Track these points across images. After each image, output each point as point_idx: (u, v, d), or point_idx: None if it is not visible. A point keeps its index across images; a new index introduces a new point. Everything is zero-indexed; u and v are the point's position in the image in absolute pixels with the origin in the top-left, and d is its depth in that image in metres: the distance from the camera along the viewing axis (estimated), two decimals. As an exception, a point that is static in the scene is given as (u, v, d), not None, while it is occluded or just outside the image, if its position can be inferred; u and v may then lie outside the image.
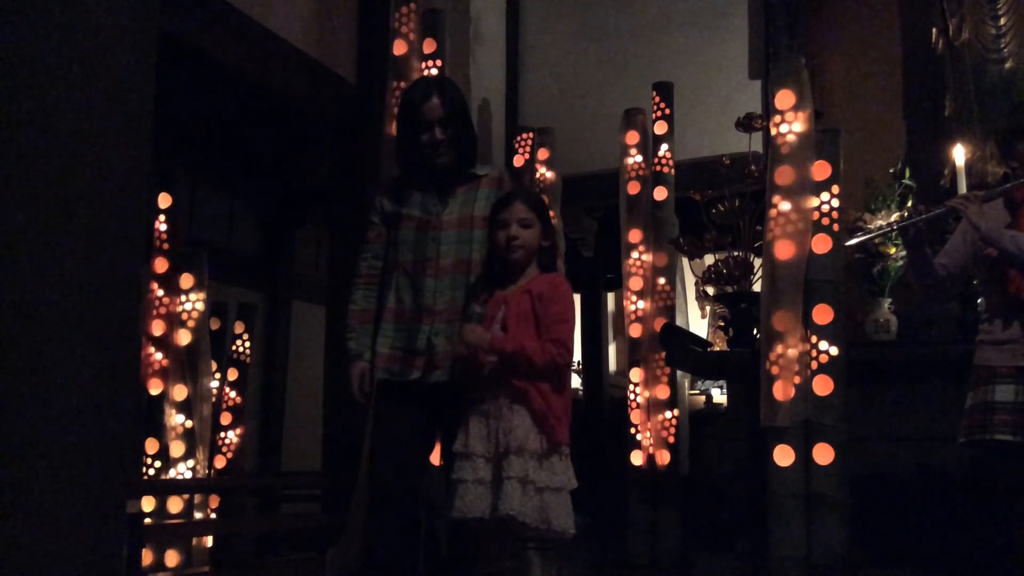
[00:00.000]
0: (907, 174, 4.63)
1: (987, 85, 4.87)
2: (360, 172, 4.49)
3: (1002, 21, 4.92)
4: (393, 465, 2.49)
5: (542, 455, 2.26)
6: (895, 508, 3.80)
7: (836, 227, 3.47)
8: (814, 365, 3.38)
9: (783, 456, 3.34)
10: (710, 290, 4.30)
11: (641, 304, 4.58)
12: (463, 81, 5.71)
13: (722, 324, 4.46)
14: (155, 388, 4.04)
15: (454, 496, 2.31)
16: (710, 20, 5.74)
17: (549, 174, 5.09)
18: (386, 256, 2.60)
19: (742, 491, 3.91)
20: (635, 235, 4.64)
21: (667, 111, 4.75)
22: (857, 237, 3.70)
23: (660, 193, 4.64)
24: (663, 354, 4.40)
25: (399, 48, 4.30)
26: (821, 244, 3.47)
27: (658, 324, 4.42)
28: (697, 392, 6.69)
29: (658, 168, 4.68)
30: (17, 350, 1.20)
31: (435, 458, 3.77)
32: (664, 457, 4.39)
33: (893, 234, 4.02)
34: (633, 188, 4.70)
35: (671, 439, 4.41)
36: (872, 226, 4.28)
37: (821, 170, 3.51)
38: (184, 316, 4.20)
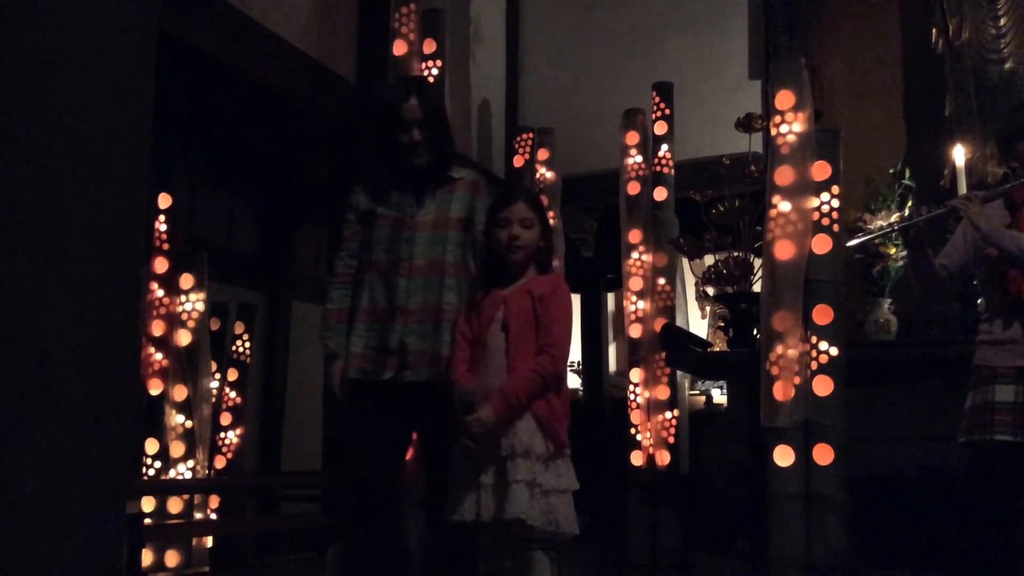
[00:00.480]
0: (907, 174, 4.63)
1: (987, 85, 4.88)
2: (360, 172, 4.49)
3: (1002, 21, 4.92)
4: (367, 464, 2.50)
5: (547, 458, 2.27)
6: (895, 508, 3.80)
7: (836, 227, 3.47)
8: (814, 365, 3.38)
9: (783, 456, 3.34)
10: (710, 290, 4.31)
11: (641, 304, 4.58)
12: (463, 81, 5.72)
13: (722, 324, 4.46)
14: (155, 388, 4.04)
15: (454, 499, 2.31)
16: (710, 20, 5.75)
17: (549, 174, 5.09)
18: (360, 255, 2.61)
19: (742, 491, 3.91)
20: (635, 235, 4.64)
21: (667, 111, 4.75)
22: (858, 237, 3.70)
23: (660, 193, 4.64)
24: (663, 354, 4.40)
25: (399, 48, 4.30)
26: (821, 244, 3.47)
27: (658, 324, 4.42)
28: (697, 392, 6.68)
29: (658, 168, 4.68)
30: (17, 350, 1.20)
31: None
32: (664, 457, 4.39)
33: (894, 234, 4.02)
34: (633, 188, 4.70)
35: (671, 439, 4.41)
36: (872, 226, 4.28)
37: (821, 170, 3.51)
38: (184, 316, 4.20)
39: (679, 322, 4.63)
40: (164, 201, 4.27)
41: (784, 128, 3.55)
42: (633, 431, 4.52)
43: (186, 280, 4.24)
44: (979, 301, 3.91)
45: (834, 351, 3.37)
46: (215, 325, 4.65)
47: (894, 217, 4.32)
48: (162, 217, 4.24)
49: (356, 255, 2.62)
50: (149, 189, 3.94)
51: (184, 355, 4.16)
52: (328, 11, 4.62)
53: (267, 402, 6.52)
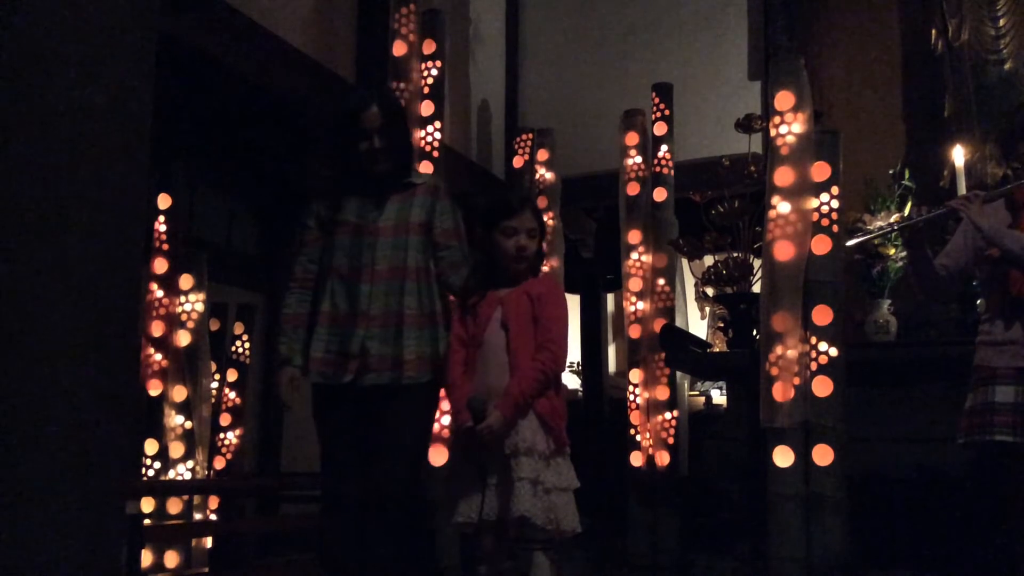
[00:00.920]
0: (907, 175, 4.63)
1: (986, 86, 4.88)
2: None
3: (1001, 22, 4.92)
4: (333, 469, 2.53)
5: (549, 456, 2.30)
6: (895, 508, 3.80)
7: (836, 228, 3.47)
8: (814, 366, 3.39)
9: (783, 457, 3.34)
10: (710, 291, 4.31)
11: (641, 305, 4.58)
12: (463, 81, 5.72)
13: (721, 325, 4.47)
14: (155, 389, 4.04)
15: (456, 502, 2.32)
16: (710, 20, 5.75)
17: (549, 175, 5.09)
18: (321, 260, 2.63)
19: (742, 492, 3.91)
20: (635, 236, 4.64)
21: (667, 112, 4.75)
22: (857, 237, 3.70)
23: (660, 194, 4.64)
24: (663, 355, 4.40)
25: (399, 49, 4.30)
26: (821, 245, 3.47)
27: (658, 325, 4.42)
28: (697, 393, 6.68)
29: (657, 169, 4.69)
30: (17, 350, 1.20)
31: (435, 459, 3.78)
32: (663, 458, 4.39)
33: (893, 235, 4.02)
34: (632, 189, 4.70)
35: (670, 440, 4.41)
36: (872, 227, 4.28)
37: (821, 171, 3.51)
38: (184, 317, 4.20)
39: (679, 323, 4.63)
40: (164, 201, 4.26)
41: (784, 129, 3.55)
42: (633, 432, 4.52)
43: (186, 280, 4.23)
44: (979, 302, 3.91)
45: (834, 352, 3.37)
46: (214, 325, 4.65)
47: (894, 218, 4.32)
48: (162, 217, 4.24)
49: (316, 260, 2.64)
50: (149, 189, 3.95)
51: (183, 356, 4.16)
52: (327, 11, 4.62)
53: (267, 402, 6.50)
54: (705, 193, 4.27)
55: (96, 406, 1.26)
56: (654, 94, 4.80)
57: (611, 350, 7.30)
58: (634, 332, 4.58)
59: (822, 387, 3.35)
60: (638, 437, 4.49)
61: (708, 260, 4.24)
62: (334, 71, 4.58)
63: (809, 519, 3.29)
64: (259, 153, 5.78)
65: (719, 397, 6.47)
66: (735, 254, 4.04)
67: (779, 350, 3.40)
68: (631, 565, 4.31)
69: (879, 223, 4.32)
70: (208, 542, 4.10)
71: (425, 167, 4.17)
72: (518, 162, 5.30)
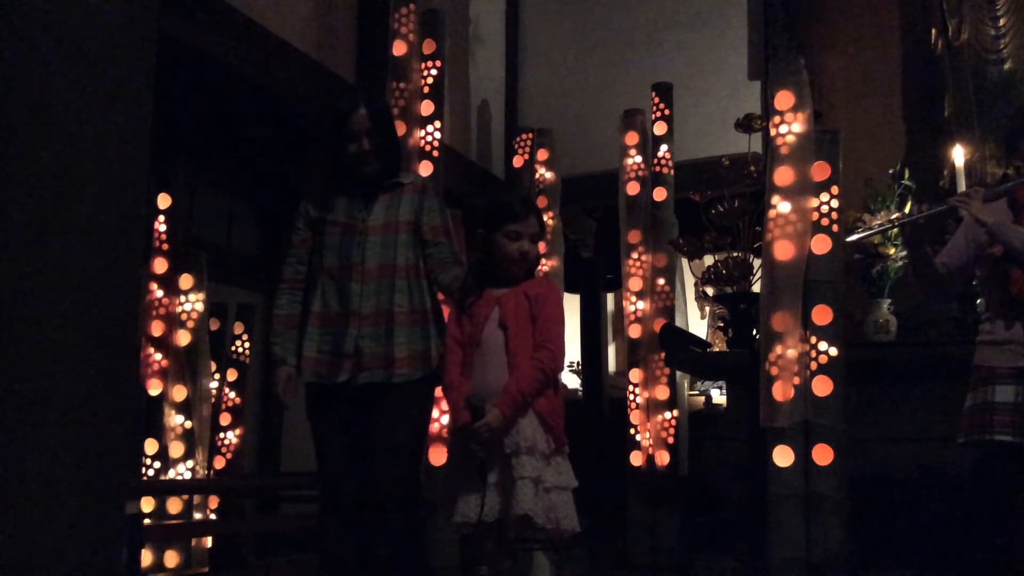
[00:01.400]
0: (906, 174, 4.63)
1: (986, 86, 4.88)
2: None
3: (1001, 22, 4.92)
4: (330, 469, 2.55)
5: (549, 455, 2.30)
6: (895, 508, 3.80)
7: (835, 228, 3.48)
8: (813, 366, 3.39)
9: (783, 457, 3.34)
10: (709, 291, 4.31)
11: (640, 305, 4.58)
12: (462, 81, 5.72)
13: (721, 325, 4.46)
14: (155, 389, 4.04)
15: (456, 501, 2.32)
16: (710, 20, 5.75)
17: (548, 175, 5.09)
18: (311, 261, 2.65)
19: (741, 492, 3.91)
20: (634, 236, 4.64)
21: (666, 112, 4.75)
22: (858, 233, 3.70)
23: (659, 194, 4.64)
24: (662, 355, 4.40)
25: (399, 49, 4.30)
26: (820, 245, 3.47)
27: (657, 325, 4.42)
28: (697, 393, 6.67)
29: (657, 169, 4.69)
30: (17, 350, 1.20)
31: (435, 459, 3.78)
32: (663, 458, 4.39)
33: (893, 233, 4.02)
34: (632, 189, 4.71)
35: (670, 440, 4.41)
36: (872, 225, 4.28)
37: (820, 171, 3.52)
38: (184, 317, 4.21)
39: (678, 322, 4.63)
40: (164, 201, 4.27)
41: (784, 128, 3.56)
42: (632, 431, 4.52)
43: (185, 280, 4.24)
44: (979, 301, 3.91)
45: (833, 351, 3.37)
46: (214, 325, 4.65)
47: (893, 216, 4.32)
48: (162, 217, 4.24)
49: (305, 261, 2.66)
50: (149, 189, 3.94)
51: (183, 355, 4.16)
52: (327, 11, 4.62)
53: (267, 402, 6.51)
54: (705, 193, 4.28)
55: (96, 406, 1.26)
56: (654, 94, 4.80)
57: (611, 350, 7.30)
58: (634, 332, 4.58)
59: (822, 387, 3.36)
60: (638, 437, 4.49)
61: (708, 260, 4.24)
62: (334, 71, 4.58)
63: (809, 519, 3.29)
64: (259, 153, 5.78)
65: (719, 397, 6.46)
66: (735, 254, 4.04)
67: (779, 350, 3.40)
68: (631, 565, 4.31)
69: (879, 223, 4.32)
70: (208, 542, 4.11)
71: (425, 167, 4.17)
72: (518, 162, 5.30)
